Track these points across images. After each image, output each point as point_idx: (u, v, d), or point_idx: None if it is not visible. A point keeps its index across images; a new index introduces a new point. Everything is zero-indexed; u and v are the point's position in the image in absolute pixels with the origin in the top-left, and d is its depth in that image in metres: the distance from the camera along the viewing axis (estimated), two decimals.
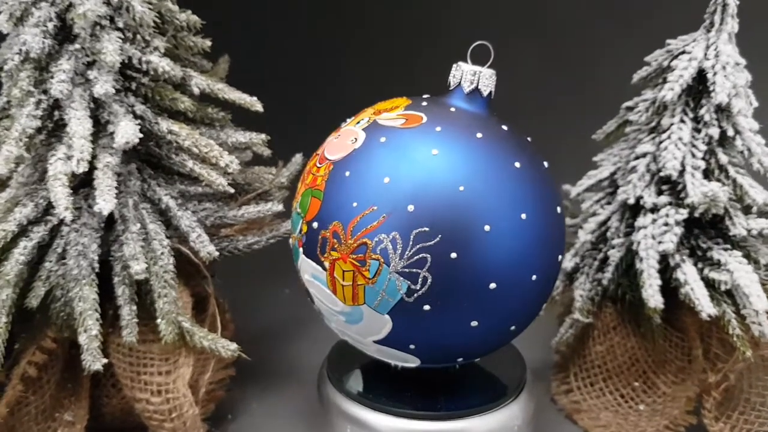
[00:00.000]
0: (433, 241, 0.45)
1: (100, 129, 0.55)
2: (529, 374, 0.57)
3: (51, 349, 0.56)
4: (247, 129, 0.63)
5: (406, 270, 0.45)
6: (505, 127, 0.50)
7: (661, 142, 0.61)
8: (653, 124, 0.63)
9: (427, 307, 0.46)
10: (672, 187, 0.61)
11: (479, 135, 0.48)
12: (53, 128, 0.55)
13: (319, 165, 0.50)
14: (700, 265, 0.60)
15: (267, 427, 0.63)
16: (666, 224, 0.60)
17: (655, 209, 0.61)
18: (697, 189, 0.59)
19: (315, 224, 0.48)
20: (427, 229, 0.45)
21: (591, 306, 0.65)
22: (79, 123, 0.52)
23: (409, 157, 0.46)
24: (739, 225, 0.59)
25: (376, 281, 0.46)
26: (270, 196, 0.65)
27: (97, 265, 0.54)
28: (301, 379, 0.69)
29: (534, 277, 0.47)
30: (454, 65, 0.52)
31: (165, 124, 0.56)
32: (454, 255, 0.45)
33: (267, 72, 0.98)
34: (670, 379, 0.65)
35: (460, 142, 0.47)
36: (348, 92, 1.02)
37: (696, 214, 0.60)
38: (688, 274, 0.58)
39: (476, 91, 0.51)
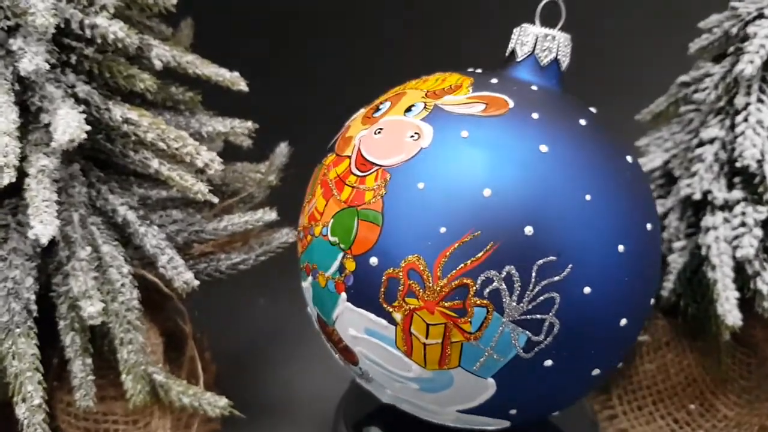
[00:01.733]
0: (562, 274, 0.34)
1: (29, 119, 0.40)
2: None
3: None
4: (221, 114, 0.49)
5: (527, 317, 0.34)
6: (593, 110, 0.38)
7: (733, 126, 0.51)
8: (722, 103, 0.52)
9: (548, 363, 0.35)
10: (746, 179, 0.51)
11: (582, 122, 0.37)
12: None
13: (359, 173, 0.37)
14: None
15: None
16: (743, 224, 0.50)
17: (726, 206, 0.51)
18: None
19: (373, 260, 0.35)
20: (554, 258, 0.33)
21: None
22: None
23: (514, 158, 0.34)
24: None
25: (482, 336, 0.34)
26: (252, 198, 0.51)
27: (34, 307, 0.40)
28: (300, 418, 0.57)
29: (652, 302, 0.38)
30: (518, 28, 0.39)
31: (119, 111, 0.42)
32: (588, 290, 0.34)
33: (236, 38, 0.81)
34: (732, 400, 0.56)
35: (568, 133, 0.36)
36: (345, 63, 0.85)
37: None
38: None
39: (555, 62, 0.39)
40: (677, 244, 0.54)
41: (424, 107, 0.37)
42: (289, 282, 0.46)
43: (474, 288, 0.33)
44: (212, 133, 0.47)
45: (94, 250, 0.42)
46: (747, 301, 0.51)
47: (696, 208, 0.54)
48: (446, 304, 0.34)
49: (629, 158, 0.38)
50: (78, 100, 0.42)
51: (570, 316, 0.34)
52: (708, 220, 0.52)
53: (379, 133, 0.38)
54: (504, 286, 0.33)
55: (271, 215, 0.47)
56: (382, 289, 0.35)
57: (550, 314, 0.34)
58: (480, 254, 0.33)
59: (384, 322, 0.35)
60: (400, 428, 0.43)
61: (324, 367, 0.53)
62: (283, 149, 0.55)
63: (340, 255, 0.36)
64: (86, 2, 0.41)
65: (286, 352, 0.64)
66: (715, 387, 0.56)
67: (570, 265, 0.34)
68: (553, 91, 0.39)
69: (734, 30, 0.52)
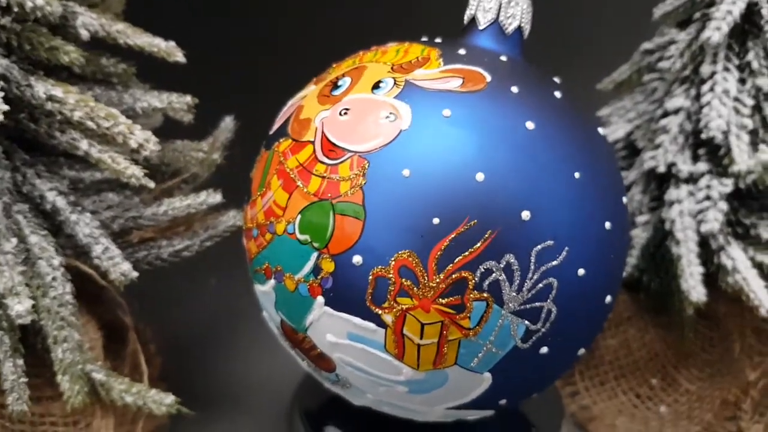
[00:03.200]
0: (559, 258, 0.32)
1: None
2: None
3: None
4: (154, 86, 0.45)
5: (526, 306, 0.32)
6: (557, 79, 0.36)
7: (699, 96, 0.49)
8: (687, 72, 0.51)
9: (544, 350, 0.33)
10: (711, 151, 0.50)
11: (557, 94, 0.35)
12: None
13: (328, 161, 0.33)
14: (742, 245, 0.50)
15: None
16: (707, 198, 0.49)
17: (691, 179, 0.50)
18: (745, 155, 0.48)
19: (357, 259, 0.32)
20: (551, 242, 0.32)
21: None
22: None
23: (503, 139, 0.32)
24: None
25: (481, 330, 0.32)
26: (196, 179, 0.48)
27: None
28: (251, 408, 0.54)
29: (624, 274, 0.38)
30: None
31: (41, 87, 0.38)
32: (582, 271, 0.33)
33: (171, 3, 0.76)
34: (695, 374, 0.56)
35: (549, 108, 0.34)
36: (291, 30, 0.80)
37: (741, 185, 0.49)
38: (737, 260, 0.48)
39: (518, 29, 0.36)
40: (640, 218, 0.52)
41: (395, 83, 0.34)
42: (241, 261, 0.43)
43: (473, 281, 0.31)
44: (147, 109, 0.43)
45: (21, 241, 0.39)
46: (710, 276, 0.50)
47: (660, 181, 0.53)
48: (443, 301, 0.31)
49: (600, 130, 0.37)
50: None
51: (565, 300, 0.33)
52: (672, 194, 0.51)
53: (345, 113, 0.34)
54: (504, 276, 0.31)
55: (216, 197, 0.44)
56: (369, 290, 0.32)
57: (548, 300, 0.32)
58: (478, 244, 0.31)
59: (372, 325, 0.32)
60: (358, 420, 0.41)
61: (277, 353, 0.50)
62: (228, 123, 0.51)
63: (314, 255, 0.33)
64: None
65: (236, 338, 0.61)
66: (677, 361, 0.56)
67: (566, 248, 0.32)
68: (520, 61, 0.36)
69: None
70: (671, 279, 0.51)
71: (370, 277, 0.32)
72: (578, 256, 0.33)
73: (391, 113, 0.33)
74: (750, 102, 0.49)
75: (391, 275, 0.31)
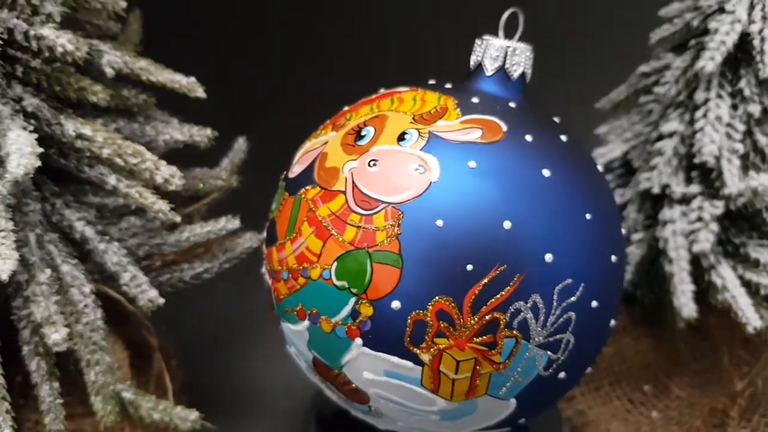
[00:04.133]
0: (576, 294, 0.35)
1: None
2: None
3: None
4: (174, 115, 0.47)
5: (549, 339, 0.35)
6: (557, 120, 0.39)
7: (693, 121, 0.52)
8: (682, 97, 0.53)
9: (562, 375, 0.36)
10: (703, 174, 0.52)
11: (564, 138, 0.38)
12: None
13: (362, 211, 0.35)
14: (731, 263, 0.52)
15: None
16: (699, 219, 0.51)
17: (684, 200, 0.52)
18: (736, 178, 0.50)
19: (395, 304, 0.34)
20: (570, 280, 0.34)
21: None
22: None
23: (526, 187, 0.34)
24: None
25: (510, 364, 0.35)
26: (213, 200, 0.50)
27: None
28: (268, 409, 0.57)
29: None
30: (481, 41, 0.39)
31: (71, 126, 0.40)
32: (595, 303, 0.36)
33: (185, 27, 0.77)
34: (685, 381, 0.59)
35: (560, 153, 0.36)
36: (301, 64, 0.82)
37: (732, 207, 0.51)
38: (726, 279, 0.51)
39: (522, 75, 0.39)
40: (635, 236, 0.55)
41: (419, 135, 0.36)
42: (252, 267, 0.45)
43: (504, 320, 0.34)
44: (170, 141, 0.45)
45: (54, 271, 0.41)
46: (701, 291, 0.53)
47: (654, 201, 0.55)
48: (477, 339, 0.34)
49: (600, 167, 0.39)
50: (27, 115, 0.40)
51: (581, 330, 0.36)
52: (666, 214, 0.53)
53: (374, 165, 0.36)
54: (531, 314, 0.34)
55: (235, 223, 0.46)
56: (408, 332, 0.34)
57: (567, 332, 0.35)
58: (508, 287, 0.33)
59: (409, 364, 0.35)
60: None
61: (283, 357, 0.53)
62: (241, 144, 0.53)
63: (352, 300, 0.35)
64: (30, 11, 0.39)
65: (250, 340, 0.64)
66: (668, 370, 0.59)
67: (582, 284, 0.35)
68: (527, 107, 0.39)
69: (695, 22, 0.52)
70: (664, 294, 0.53)
71: (409, 320, 0.34)
72: (591, 290, 0.36)
73: (420, 165, 0.35)
74: (741, 128, 0.51)
75: (429, 318, 0.34)
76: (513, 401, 0.36)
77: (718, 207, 0.51)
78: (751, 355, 0.55)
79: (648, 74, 0.56)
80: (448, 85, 0.39)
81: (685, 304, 0.51)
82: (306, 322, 0.37)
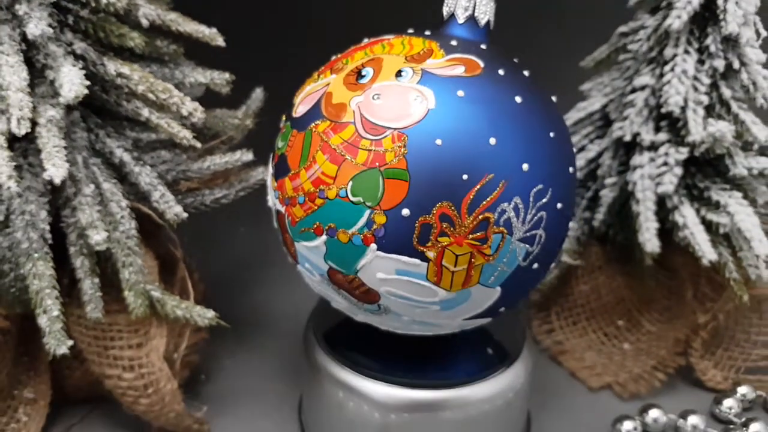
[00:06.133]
0: (547, 197, 0.42)
1: (35, 75, 0.46)
2: (528, 333, 0.54)
3: (3, 327, 0.50)
4: (201, 63, 0.55)
5: (528, 234, 0.42)
6: (516, 60, 0.46)
7: (662, 75, 0.57)
8: (654, 54, 0.58)
9: (536, 266, 0.44)
10: (671, 123, 0.58)
11: (525, 73, 0.45)
12: None
13: (371, 137, 0.41)
14: (696, 206, 0.58)
15: (245, 385, 0.60)
16: (665, 164, 0.57)
17: (652, 147, 0.58)
18: (700, 127, 0.55)
19: (405, 212, 0.40)
20: (541, 186, 0.41)
21: (577, 246, 0.63)
22: (12, 72, 0.43)
23: (505, 111, 0.41)
24: (740, 164, 0.56)
25: (497, 256, 0.41)
26: (232, 140, 0.58)
27: (49, 236, 0.47)
28: (276, 329, 0.66)
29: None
30: None
31: (112, 66, 0.48)
32: (559, 205, 0.43)
33: None
34: (655, 317, 0.64)
35: (526, 85, 0.43)
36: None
37: (696, 153, 0.56)
38: (687, 217, 0.56)
39: (488, 23, 0.46)
40: (609, 180, 0.61)
41: (413, 72, 0.42)
42: (266, 212, 0.53)
43: (493, 219, 0.41)
44: (194, 83, 0.53)
45: (97, 187, 0.49)
46: (668, 231, 0.58)
47: (627, 149, 0.60)
48: (472, 236, 0.41)
49: (553, 98, 0.46)
50: (76, 57, 0.48)
51: (550, 227, 0.43)
52: (636, 159, 0.58)
53: (378, 98, 0.41)
54: (513, 213, 0.41)
55: (249, 156, 0.54)
56: (416, 234, 0.40)
57: (540, 228, 0.42)
58: (495, 192, 0.40)
59: (417, 261, 0.41)
60: (362, 335, 0.51)
61: (294, 288, 0.60)
62: (258, 94, 0.61)
63: (367, 212, 0.40)
64: None
65: (265, 275, 0.73)
66: (641, 306, 0.64)
67: (551, 189, 0.42)
68: (493, 48, 0.45)
69: None
70: (633, 234, 0.59)
71: (417, 224, 0.40)
72: (557, 193, 0.43)
73: (418, 96, 0.41)
74: (707, 81, 0.56)
75: (433, 221, 0.40)
76: (498, 289, 0.43)
77: (683, 153, 0.56)
78: (715, 292, 0.60)
79: (627, 34, 0.61)
80: (428, 32, 0.46)
81: (649, 239, 0.57)
82: (323, 237, 0.42)
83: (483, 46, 0.45)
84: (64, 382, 0.55)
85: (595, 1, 0.76)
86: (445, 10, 0.45)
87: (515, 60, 0.45)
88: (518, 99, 0.42)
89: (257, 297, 0.69)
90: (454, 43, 0.44)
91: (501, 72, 0.43)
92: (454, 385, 0.48)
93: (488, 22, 0.45)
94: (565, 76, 0.66)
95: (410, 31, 0.46)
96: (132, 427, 0.54)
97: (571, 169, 0.45)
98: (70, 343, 0.47)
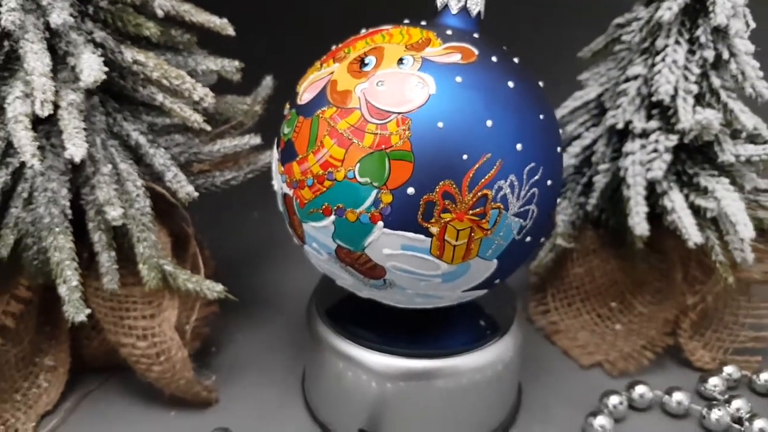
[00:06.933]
0: (539, 174, 0.45)
1: (57, 61, 0.50)
2: (518, 305, 0.57)
3: (26, 297, 0.53)
4: (213, 53, 0.58)
5: (522, 209, 0.45)
6: (505, 48, 0.48)
7: (654, 65, 0.59)
8: (646, 44, 0.60)
9: (528, 239, 0.47)
10: (662, 111, 0.60)
11: (515, 60, 0.47)
12: (5, 60, 0.49)
13: (377, 121, 0.43)
14: (685, 191, 0.60)
15: (253, 357, 0.63)
16: (655, 150, 0.59)
17: (644, 134, 0.60)
18: (689, 115, 0.57)
19: (410, 190, 0.43)
20: (534, 164, 0.44)
21: (572, 230, 0.65)
22: (36, 58, 0.46)
23: (499, 95, 0.44)
24: (728, 151, 0.58)
25: (494, 230, 0.44)
26: (243, 125, 0.61)
27: (69, 212, 0.51)
28: (283, 306, 0.69)
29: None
30: None
31: (129, 54, 0.51)
32: (549, 182, 0.46)
33: None
34: (647, 299, 0.66)
35: (517, 71, 0.46)
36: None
37: (686, 140, 0.59)
38: (675, 201, 0.58)
39: (479, 13, 0.49)
40: (602, 167, 0.63)
41: (414, 60, 0.44)
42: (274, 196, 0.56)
43: (491, 196, 0.43)
44: (206, 71, 0.56)
45: (114, 167, 0.52)
46: (659, 216, 0.61)
47: (620, 136, 0.63)
48: (471, 212, 0.43)
49: (541, 83, 0.48)
50: (96, 45, 0.51)
51: (541, 202, 0.46)
52: (628, 146, 0.61)
53: (381, 84, 0.44)
54: (509, 190, 0.44)
55: (257, 140, 0.57)
56: (420, 211, 0.43)
57: (533, 204, 0.45)
58: (492, 170, 0.43)
59: (421, 236, 0.44)
60: (362, 309, 0.55)
61: (300, 267, 0.64)
62: (268, 82, 0.64)
63: (374, 192, 0.43)
64: None
65: (275, 255, 0.76)
66: (633, 288, 0.66)
67: (542, 167, 0.45)
68: (484, 37, 0.48)
69: None
70: (624, 218, 0.61)
71: (421, 202, 0.43)
72: (547, 171, 0.45)
73: (419, 82, 0.43)
74: (697, 71, 0.58)
75: (436, 198, 0.43)
76: (495, 261, 0.46)
77: (673, 140, 0.59)
78: (704, 274, 0.62)
79: (622, 25, 0.63)
80: (423, 23, 0.49)
81: (638, 223, 0.59)
82: (332, 217, 0.45)
83: (476, 35, 0.48)
84: (83, 350, 0.59)
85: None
86: (439, 2, 0.48)
87: (505, 48, 0.48)
88: (511, 84, 0.45)
89: (265, 275, 0.73)
90: (449, 32, 0.47)
91: (494, 59, 0.46)
92: (447, 355, 0.51)
93: (479, 13, 0.48)
94: (566, 66, 0.68)
95: (406, 21, 0.49)
96: (146, 394, 0.57)
97: (558, 149, 0.48)
98: (88, 311, 0.51)
